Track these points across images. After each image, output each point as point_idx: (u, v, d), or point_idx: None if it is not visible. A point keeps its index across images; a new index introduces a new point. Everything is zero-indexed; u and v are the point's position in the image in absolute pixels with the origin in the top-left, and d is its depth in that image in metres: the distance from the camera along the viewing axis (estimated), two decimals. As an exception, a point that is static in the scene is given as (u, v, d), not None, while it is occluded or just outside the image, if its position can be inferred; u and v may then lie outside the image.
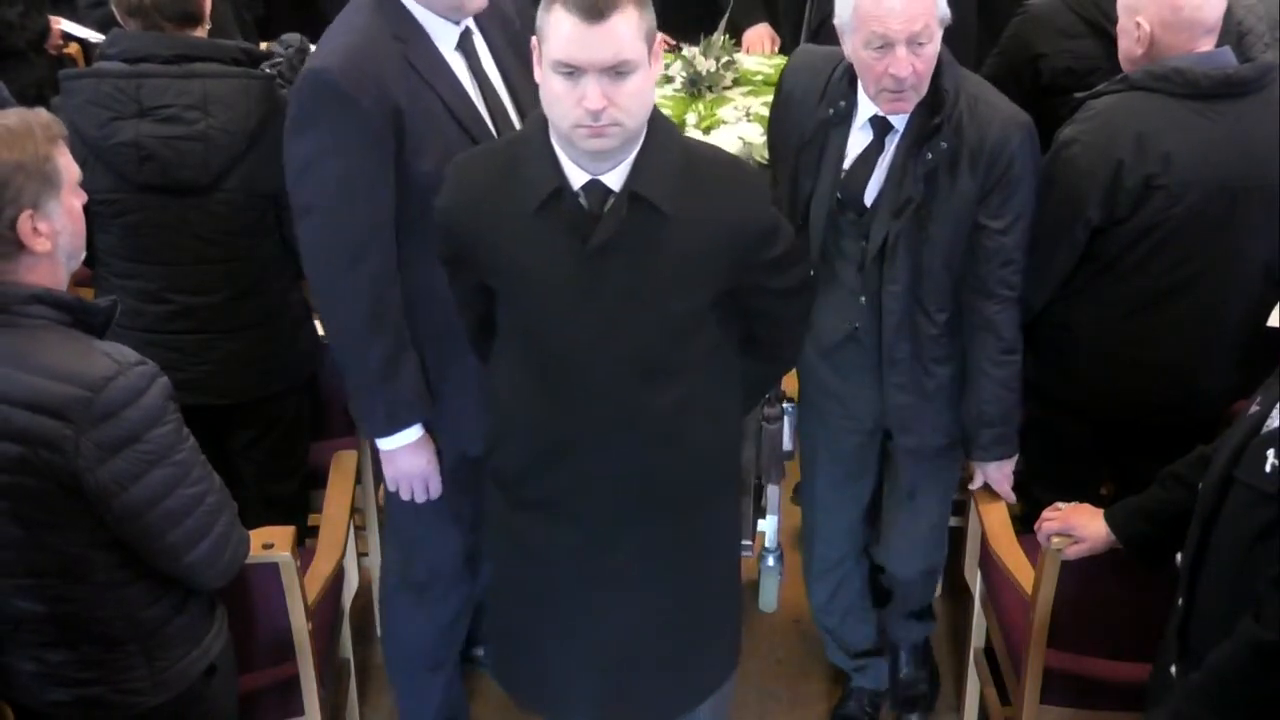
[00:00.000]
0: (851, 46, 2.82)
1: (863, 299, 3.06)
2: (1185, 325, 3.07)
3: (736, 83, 4.23)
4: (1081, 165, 2.98)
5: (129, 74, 3.15)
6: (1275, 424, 2.25)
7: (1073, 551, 2.81)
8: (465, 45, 2.81)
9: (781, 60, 4.22)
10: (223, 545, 2.44)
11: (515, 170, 2.39)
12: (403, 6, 2.74)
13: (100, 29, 4.42)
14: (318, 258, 2.77)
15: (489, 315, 2.61)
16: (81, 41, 4.83)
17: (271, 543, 2.81)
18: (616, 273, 2.36)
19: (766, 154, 3.48)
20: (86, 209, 3.02)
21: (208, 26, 3.31)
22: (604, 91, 2.22)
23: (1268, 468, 2.20)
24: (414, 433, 2.88)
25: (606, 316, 2.39)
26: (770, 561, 3.64)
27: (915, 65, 2.76)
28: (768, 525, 3.61)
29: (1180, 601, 2.41)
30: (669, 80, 4.22)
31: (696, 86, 4.14)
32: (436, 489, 2.97)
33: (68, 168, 2.36)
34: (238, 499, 2.54)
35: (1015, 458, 3.20)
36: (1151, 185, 2.95)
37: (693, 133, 3.73)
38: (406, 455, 2.90)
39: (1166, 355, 3.09)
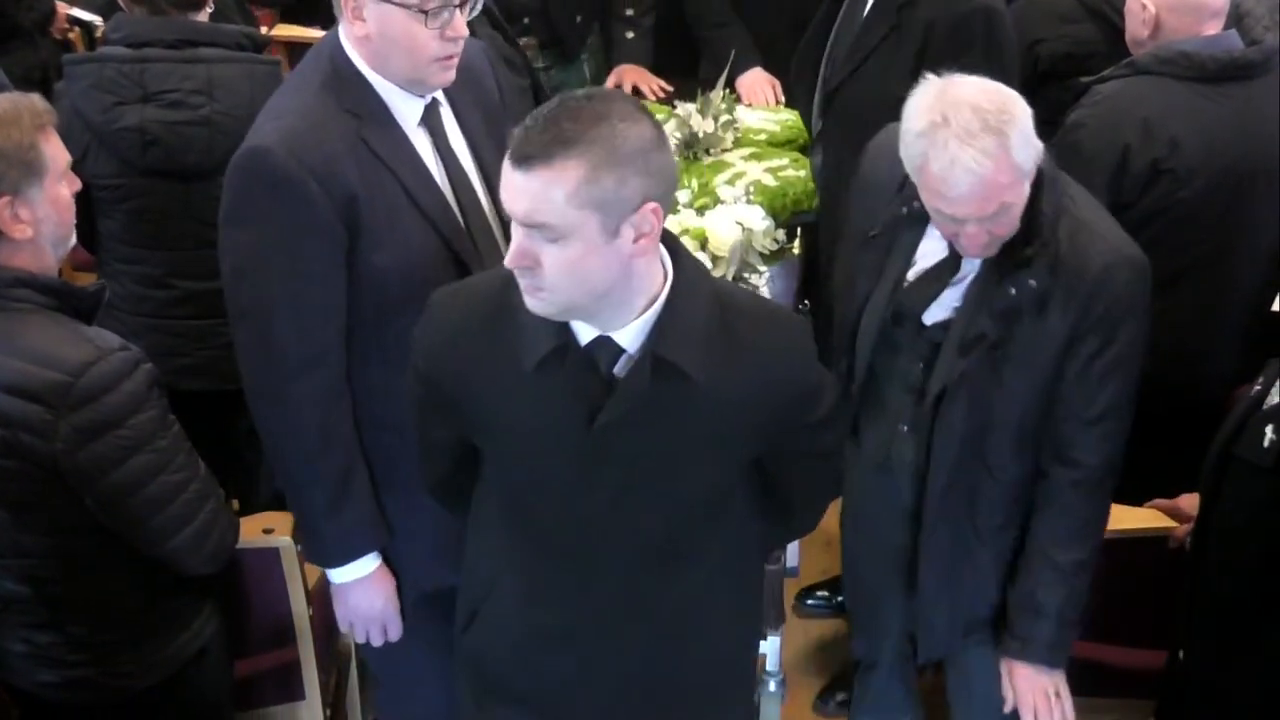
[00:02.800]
0: (921, 195, 2.42)
1: (904, 427, 2.65)
2: (1191, 309, 3.07)
3: (737, 143, 3.90)
4: (1088, 150, 2.97)
5: (133, 59, 3.14)
6: (1275, 400, 2.25)
7: (1181, 532, 2.68)
8: (431, 121, 2.47)
9: (790, 117, 4.09)
10: (207, 532, 2.42)
11: (511, 316, 1.96)
12: (360, 76, 2.39)
13: (102, 14, 4.41)
14: (256, 368, 2.42)
15: (464, 470, 2.24)
16: (84, 25, 4.82)
17: (272, 528, 2.77)
18: (630, 446, 1.98)
19: (766, 242, 3.28)
20: (90, 194, 3.04)
21: (210, 10, 3.30)
22: (525, 247, 1.85)
23: (1265, 443, 2.21)
24: (366, 565, 2.55)
25: (617, 494, 2.02)
26: (771, 687, 3.13)
27: (992, 230, 2.36)
28: (769, 647, 3.08)
29: (1186, 583, 2.42)
30: None
31: (692, 149, 3.80)
32: (396, 630, 2.62)
33: (55, 155, 2.34)
34: (241, 485, 2.55)
35: (1060, 674, 2.64)
36: (1159, 169, 2.95)
37: (685, 215, 3.39)
38: (360, 590, 2.56)
39: (1172, 339, 3.08)
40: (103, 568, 2.39)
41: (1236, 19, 3.20)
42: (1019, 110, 2.28)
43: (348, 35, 2.38)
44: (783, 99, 4.25)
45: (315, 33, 4.67)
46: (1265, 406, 2.27)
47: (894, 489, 2.72)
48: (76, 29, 4.88)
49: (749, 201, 3.46)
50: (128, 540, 2.37)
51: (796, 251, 3.52)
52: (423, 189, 2.41)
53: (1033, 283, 2.40)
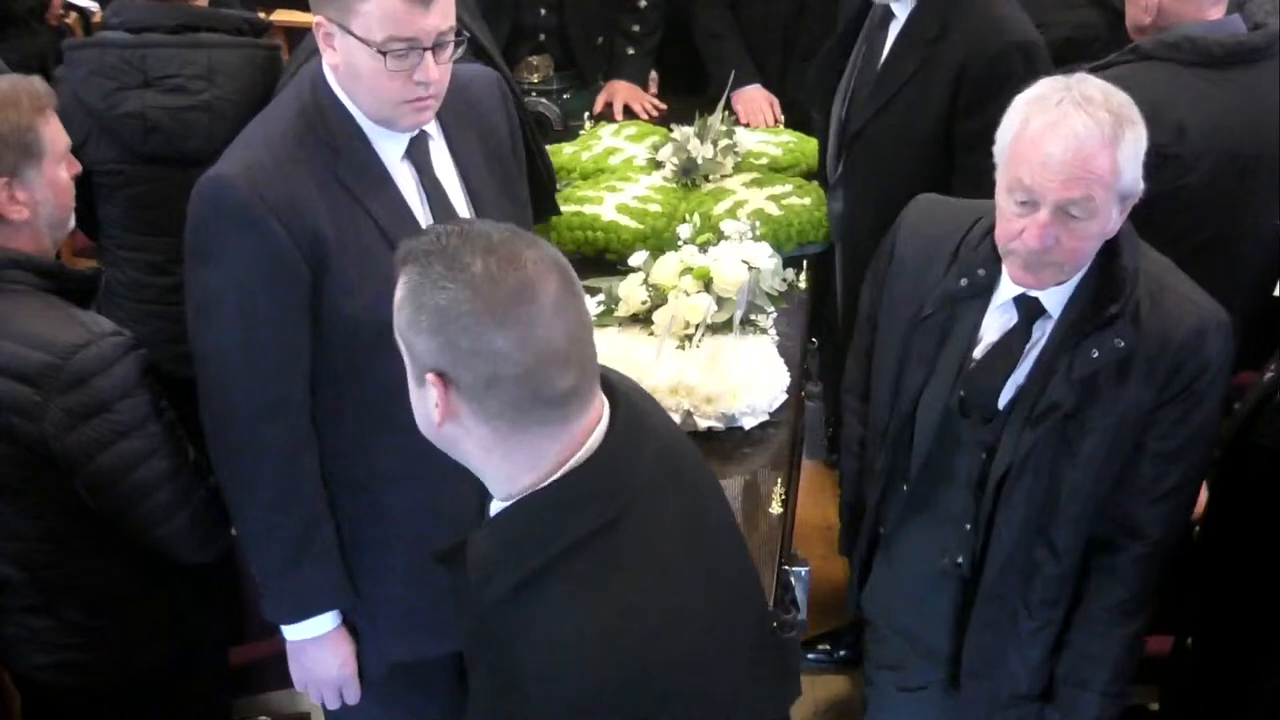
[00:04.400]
0: (999, 184, 2.21)
1: (967, 525, 2.39)
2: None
3: (737, 168, 3.74)
4: None
5: (133, 44, 3.13)
6: None
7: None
8: (416, 154, 2.32)
9: (792, 139, 3.92)
10: (199, 521, 2.41)
11: None
12: (340, 106, 2.25)
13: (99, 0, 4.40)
14: (213, 413, 2.30)
15: None
16: (80, 10, 4.81)
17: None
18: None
19: (775, 283, 3.10)
20: (90, 180, 3.03)
21: (210, -6, 3.30)
22: None
23: None
24: (324, 623, 2.41)
25: None
26: None
27: (1061, 238, 2.14)
28: None
29: (1196, 570, 2.42)
30: (658, 166, 3.74)
31: (690, 176, 3.64)
32: (353, 695, 2.49)
33: (54, 138, 2.35)
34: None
35: None
36: (1164, 155, 2.93)
37: (687, 252, 3.18)
38: (314, 651, 2.43)
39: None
40: (95, 553, 2.39)
41: (1239, 3, 3.20)
42: (1141, 127, 2.13)
43: (326, 63, 2.27)
44: (781, 118, 4.15)
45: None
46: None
47: (939, 590, 2.49)
48: (73, 14, 4.87)
49: (755, 237, 3.29)
50: (118, 528, 2.36)
51: (803, 286, 3.29)
52: (401, 229, 2.21)
53: (1120, 343, 2.18)
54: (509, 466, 1.60)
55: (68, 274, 2.38)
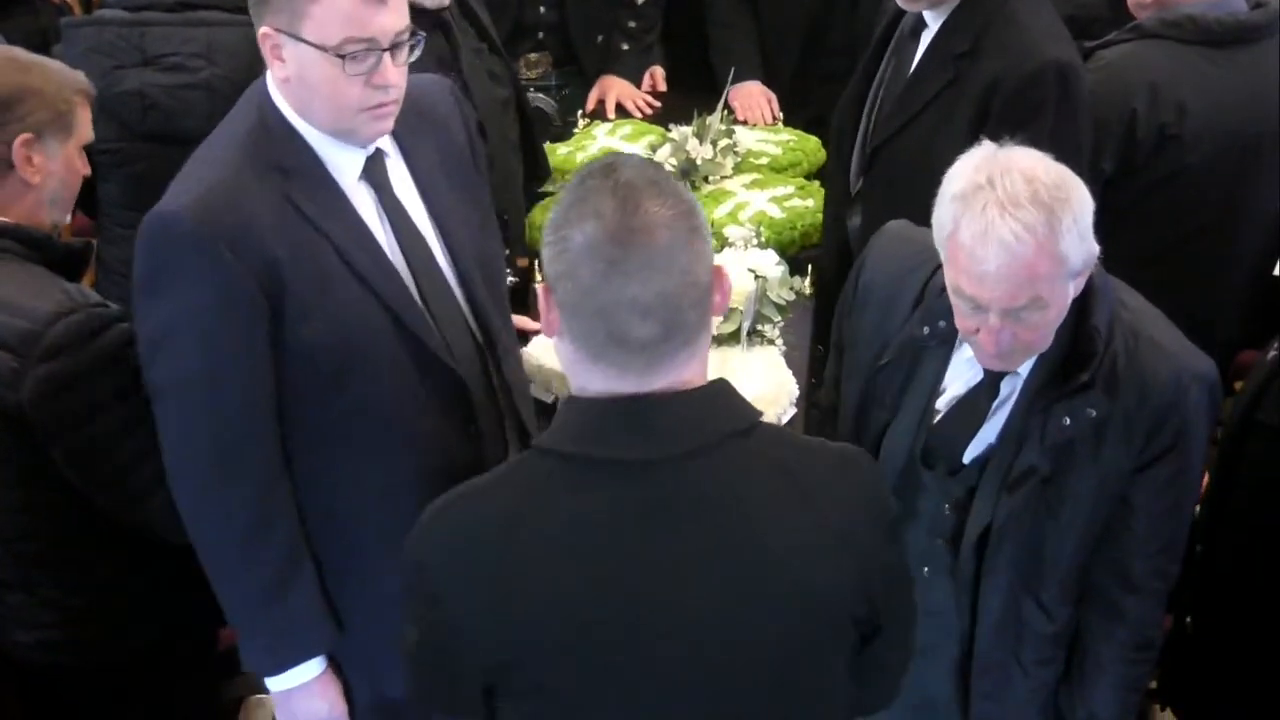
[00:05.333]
0: (946, 277, 2.07)
1: (925, 569, 2.28)
2: (1198, 275, 3.07)
3: (737, 169, 3.62)
4: (1095, 116, 2.94)
5: (131, 22, 3.11)
6: None
7: None
8: (374, 174, 2.23)
9: (791, 138, 3.83)
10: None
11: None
12: (288, 127, 2.16)
13: (99, -23, 4.37)
14: (176, 453, 2.19)
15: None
16: (79, -12, 4.79)
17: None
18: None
19: (783, 292, 2.96)
20: (89, 159, 3.02)
21: (209, -27, 3.28)
22: None
23: None
24: (310, 669, 2.29)
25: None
26: None
27: (1017, 333, 2.02)
28: None
29: (1199, 549, 2.41)
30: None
31: (689, 177, 3.51)
32: None
33: (83, 126, 2.40)
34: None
35: None
36: (1165, 135, 2.93)
37: None
38: (304, 699, 2.31)
39: (1180, 306, 3.07)
40: (74, 528, 2.37)
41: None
42: (1078, 196, 1.96)
43: (273, 79, 2.17)
44: (780, 115, 4.04)
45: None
46: None
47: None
48: (74, -8, 4.85)
49: (760, 244, 3.17)
50: (98, 504, 2.34)
51: (809, 291, 3.14)
52: (360, 252, 2.17)
53: (1092, 412, 2.08)
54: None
55: (56, 245, 2.37)
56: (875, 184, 3.08)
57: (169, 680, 2.54)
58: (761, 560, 1.63)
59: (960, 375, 2.20)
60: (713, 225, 3.28)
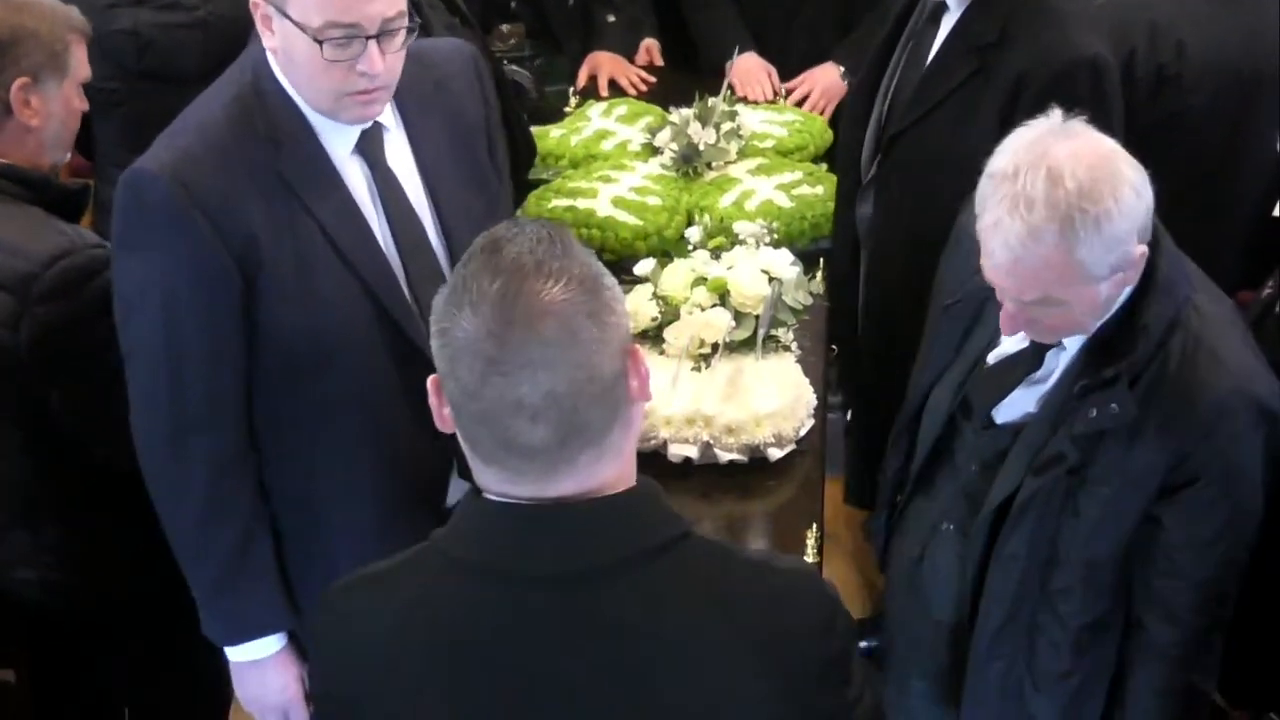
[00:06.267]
0: None
1: (948, 525, 2.26)
2: (1196, 216, 3.05)
3: (742, 154, 3.43)
4: None
5: None
6: None
7: None
8: (368, 148, 2.12)
9: (799, 117, 3.68)
10: None
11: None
12: (283, 95, 2.06)
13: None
14: (141, 418, 2.14)
15: None
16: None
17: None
18: None
19: (800, 296, 2.79)
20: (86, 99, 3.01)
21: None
22: None
23: None
24: (267, 645, 2.25)
25: None
26: None
27: (1039, 319, 1.99)
28: None
29: None
30: (655, 152, 3.44)
31: (691, 164, 3.34)
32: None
33: (79, 64, 2.38)
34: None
35: None
36: (1164, 75, 2.92)
37: (699, 259, 2.85)
38: (256, 674, 2.28)
39: (1180, 247, 3.08)
40: (73, 476, 2.38)
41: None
42: (1113, 203, 1.85)
43: (265, 46, 2.07)
44: (781, 89, 3.84)
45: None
46: (1279, 309, 2.24)
47: (924, 592, 2.35)
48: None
49: (773, 242, 2.94)
50: (100, 458, 2.34)
51: (820, 290, 2.93)
52: (347, 231, 2.07)
53: (1114, 408, 1.97)
54: None
55: (54, 186, 2.37)
56: (891, 172, 2.94)
57: (168, 630, 2.52)
58: (657, 708, 1.39)
59: (1012, 338, 2.14)
60: (718, 217, 3.14)
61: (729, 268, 2.80)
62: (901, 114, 2.88)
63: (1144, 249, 1.91)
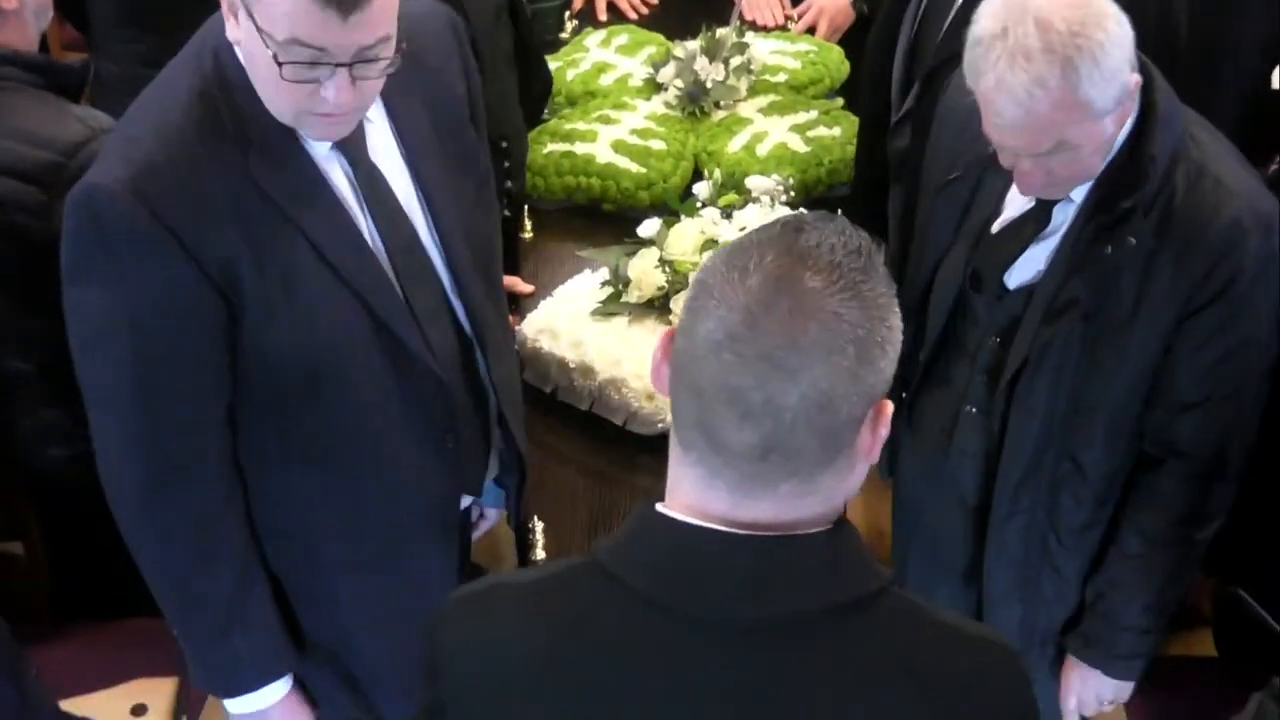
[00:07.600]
0: None
1: (972, 408, 2.26)
2: (1191, 95, 2.94)
3: (752, 90, 3.21)
4: None
5: None
6: None
7: None
8: (349, 144, 1.90)
9: (813, 47, 3.42)
10: None
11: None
12: (249, 86, 1.81)
13: None
14: (113, 469, 1.94)
15: None
16: None
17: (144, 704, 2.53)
18: None
19: None
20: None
21: None
22: None
23: None
24: (272, 693, 2.09)
25: None
26: None
27: (1054, 170, 2.00)
28: None
29: None
30: (659, 89, 3.21)
31: (698, 103, 3.12)
32: None
33: None
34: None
35: (1128, 686, 2.32)
36: None
37: (708, 217, 2.71)
38: None
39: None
40: None
41: None
42: (1103, 35, 1.88)
43: (229, 34, 1.80)
44: (793, 15, 3.64)
45: None
46: None
47: (952, 478, 2.34)
48: None
49: (789, 200, 2.77)
50: None
51: None
52: (335, 238, 1.88)
53: (1132, 240, 2.01)
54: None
55: (56, 67, 2.38)
56: (932, 106, 2.67)
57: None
58: None
59: (1017, 199, 2.14)
60: (728, 167, 2.96)
61: (741, 228, 2.64)
62: (939, 48, 2.70)
63: (1138, 77, 1.96)
